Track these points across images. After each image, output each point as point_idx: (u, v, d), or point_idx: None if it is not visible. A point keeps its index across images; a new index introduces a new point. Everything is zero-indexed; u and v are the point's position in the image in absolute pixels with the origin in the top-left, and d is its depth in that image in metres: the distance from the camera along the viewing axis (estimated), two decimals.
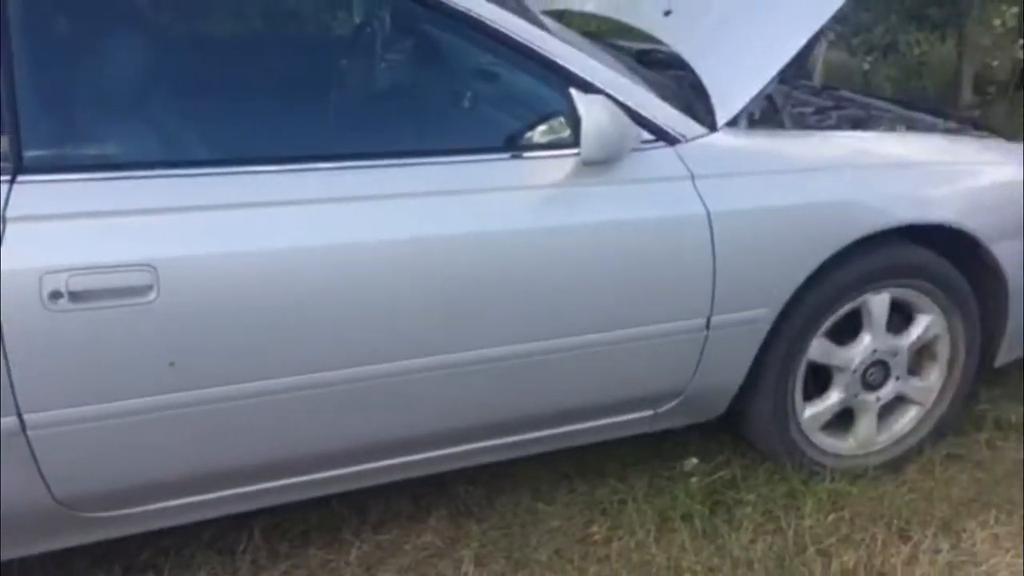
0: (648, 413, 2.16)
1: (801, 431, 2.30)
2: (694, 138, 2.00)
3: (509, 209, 1.86)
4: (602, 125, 1.79)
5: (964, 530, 2.18)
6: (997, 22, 5.03)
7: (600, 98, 1.83)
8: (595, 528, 2.19)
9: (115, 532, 1.82)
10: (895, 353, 2.29)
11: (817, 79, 4.83)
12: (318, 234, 1.72)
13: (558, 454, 2.25)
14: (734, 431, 2.40)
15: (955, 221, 2.22)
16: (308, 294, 1.71)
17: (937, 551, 2.11)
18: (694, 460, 2.37)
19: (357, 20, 2.44)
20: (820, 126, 2.42)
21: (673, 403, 2.15)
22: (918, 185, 2.23)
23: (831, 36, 5.07)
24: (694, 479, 2.31)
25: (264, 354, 1.72)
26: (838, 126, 2.44)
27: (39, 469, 1.63)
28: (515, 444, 2.09)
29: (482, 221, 1.83)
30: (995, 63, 5.48)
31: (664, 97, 2.08)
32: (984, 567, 2.08)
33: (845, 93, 2.98)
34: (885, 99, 3.00)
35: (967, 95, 5.69)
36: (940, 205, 2.23)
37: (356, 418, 1.87)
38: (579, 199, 1.89)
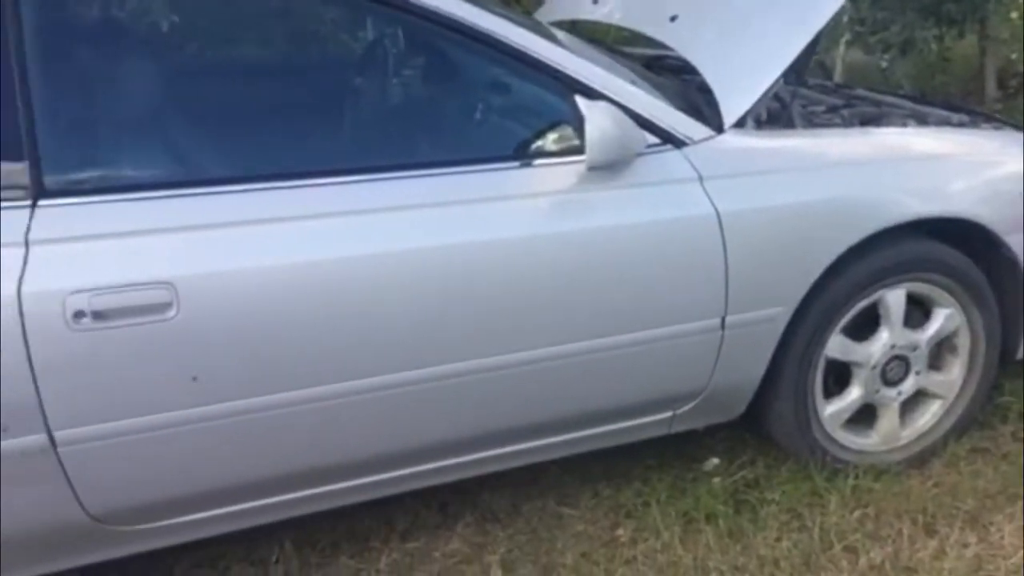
0: (667, 415, 2.18)
1: (823, 428, 2.30)
2: (701, 140, 2.02)
3: (520, 216, 1.89)
4: (605, 130, 1.81)
5: (991, 523, 2.17)
6: (1015, 15, 4.99)
7: (603, 103, 1.86)
8: (620, 531, 2.20)
9: (148, 545, 1.87)
10: (914, 348, 2.29)
11: (836, 79, 4.83)
12: (332, 247, 1.76)
13: (581, 458, 2.27)
14: (756, 430, 2.40)
15: (969, 214, 2.22)
16: (325, 306, 1.75)
17: (965, 545, 2.10)
18: (715, 460, 2.38)
19: (366, 38, 2.48)
20: (831, 124, 2.43)
21: (692, 404, 2.16)
22: (931, 179, 2.24)
23: (848, 36, 5.07)
24: (716, 479, 2.31)
25: (283, 366, 1.76)
26: (849, 123, 2.44)
27: (71, 485, 1.68)
28: (537, 449, 2.11)
29: (494, 229, 1.87)
30: (1014, 56, 5.43)
31: (671, 101, 2.11)
32: (1014, 559, 2.06)
33: (858, 91, 2.98)
34: (899, 95, 3.00)
35: (991, 89, 5.64)
36: (954, 198, 2.23)
37: (378, 428, 1.90)
38: (588, 204, 1.92)
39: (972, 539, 2.12)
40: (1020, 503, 2.22)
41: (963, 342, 2.36)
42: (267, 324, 1.72)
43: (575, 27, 3.21)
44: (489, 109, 2.14)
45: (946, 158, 2.31)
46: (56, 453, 1.64)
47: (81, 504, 1.71)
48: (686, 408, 2.17)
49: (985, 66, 5.60)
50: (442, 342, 1.86)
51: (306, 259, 1.74)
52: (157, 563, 2.06)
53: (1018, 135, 2.56)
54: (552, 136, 1.94)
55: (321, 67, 2.34)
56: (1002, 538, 2.13)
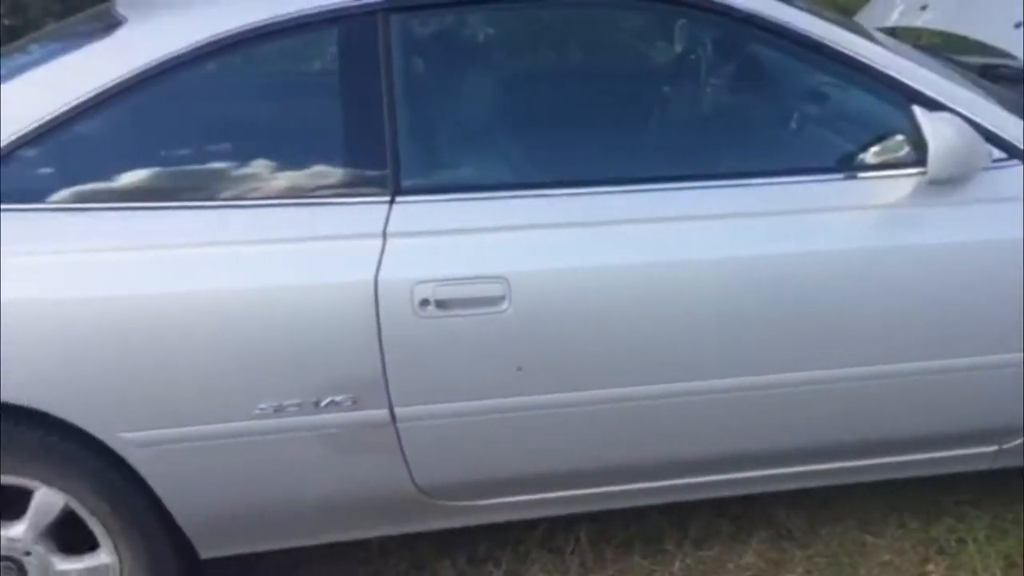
0: (991, 449, 2.03)
1: None
2: None
3: (847, 229, 1.84)
4: (950, 143, 1.73)
5: None
6: None
7: (947, 115, 1.78)
8: (931, 567, 2.09)
9: (461, 521, 2.00)
10: None
11: None
12: (655, 251, 1.80)
13: (886, 486, 2.17)
14: None
15: None
16: (644, 308, 1.79)
17: None
18: None
19: (689, 46, 2.50)
20: None
21: (1022, 439, 2.00)
22: None
23: None
24: None
25: (600, 364, 1.81)
26: None
27: (404, 458, 1.83)
28: (844, 470, 2.04)
29: (819, 240, 1.83)
30: None
31: (1016, 113, 1.97)
32: None
33: None
34: None
35: None
36: None
37: (684, 432, 1.92)
38: (923, 219, 1.83)
39: None
40: None
41: None
42: (589, 322, 1.78)
43: (894, 33, 3.07)
44: (812, 118, 2.09)
45: None
46: (395, 427, 1.79)
47: (412, 476, 1.85)
48: (1015, 443, 2.01)
49: None
50: (757, 354, 1.85)
51: (629, 262, 1.79)
52: (463, 539, 2.19)
53: None
54: (887, 147, 1.86)
55: (640, 80, 2.38)
56: None
